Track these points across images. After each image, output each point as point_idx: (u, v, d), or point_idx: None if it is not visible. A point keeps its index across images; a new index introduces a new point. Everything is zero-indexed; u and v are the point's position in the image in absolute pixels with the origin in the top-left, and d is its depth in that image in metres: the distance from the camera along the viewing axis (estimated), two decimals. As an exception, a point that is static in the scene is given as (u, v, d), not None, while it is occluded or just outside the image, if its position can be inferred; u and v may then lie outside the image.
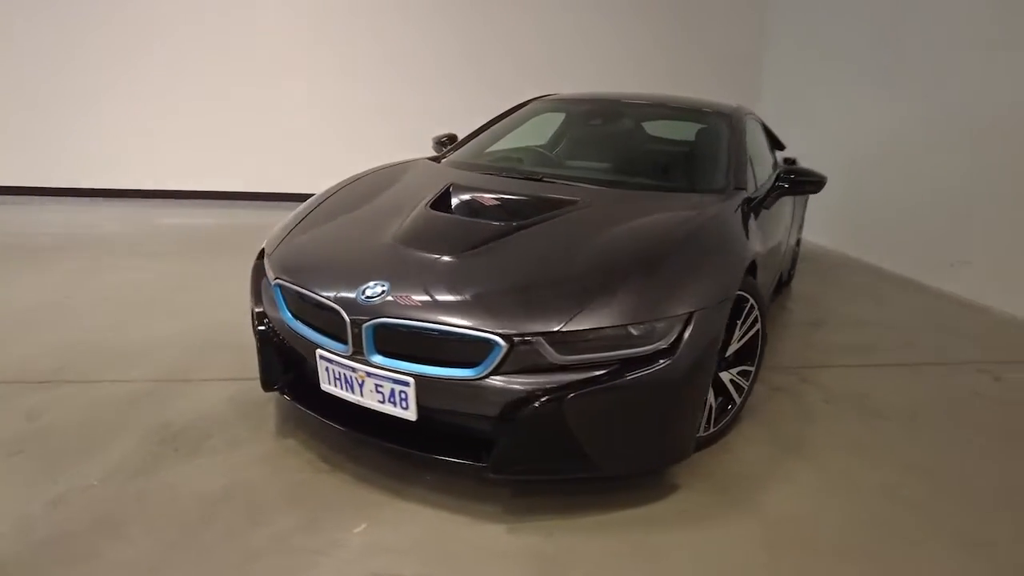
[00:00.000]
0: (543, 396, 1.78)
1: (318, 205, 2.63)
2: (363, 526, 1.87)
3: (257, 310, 2.32)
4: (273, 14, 6.69)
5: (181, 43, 6.70)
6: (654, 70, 7.03)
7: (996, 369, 3.25)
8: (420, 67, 6.93)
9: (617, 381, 1.80)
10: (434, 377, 1.87)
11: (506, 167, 3.17)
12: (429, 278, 2.01)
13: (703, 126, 3.44)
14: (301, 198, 2.93)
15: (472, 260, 2.08)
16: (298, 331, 2.11)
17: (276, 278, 2.22)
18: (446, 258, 2.08)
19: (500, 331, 1.81)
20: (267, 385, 2.29)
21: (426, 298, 1.93)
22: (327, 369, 2.01)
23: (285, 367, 2.27)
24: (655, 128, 3.87)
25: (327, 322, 2.03)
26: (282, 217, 2.65)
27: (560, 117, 3.82)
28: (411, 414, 1.91)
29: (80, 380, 2.69)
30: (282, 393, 2.27)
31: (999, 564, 1.85)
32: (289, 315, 2.17)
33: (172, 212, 6.56)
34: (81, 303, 3.66)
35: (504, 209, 2.58)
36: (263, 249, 2.52)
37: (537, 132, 3.73)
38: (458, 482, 2.08)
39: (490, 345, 1.82)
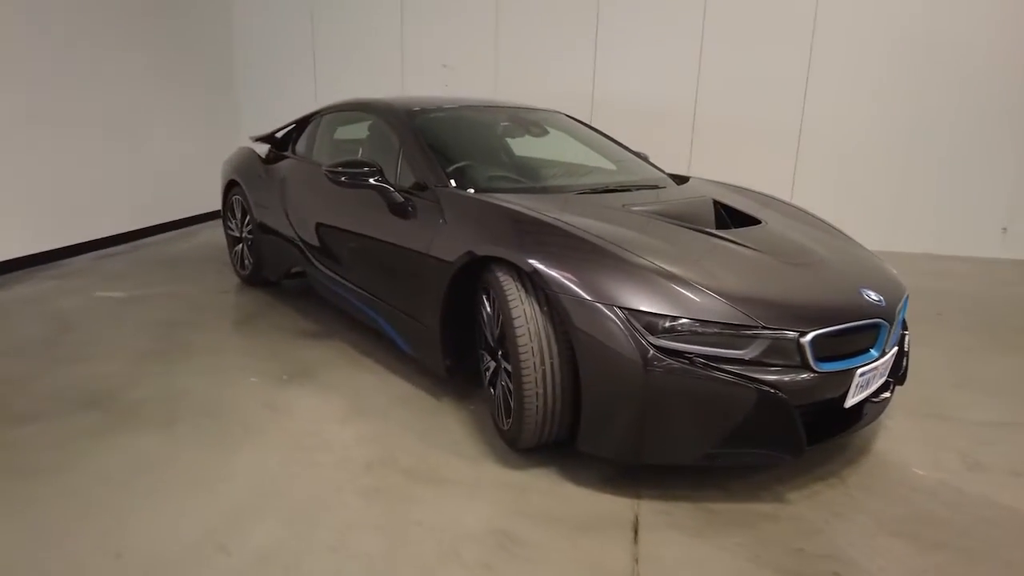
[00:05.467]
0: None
1: (586, 239, 2.16)
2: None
3: (772, 388, 1.93)
4: None
5: None
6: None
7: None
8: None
9: None
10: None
11: (567, 184, 3.11)
12: (841, 278, 2.34)
13: (558, 127, 3.72)
14: None
15: (808, 251, 2.45)
16: (835, 370, 2.05)
17: (803, 332, 1.98)
18: (808, 261, 2.37)
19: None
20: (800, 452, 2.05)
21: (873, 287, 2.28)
22: (857, 384, 2.11)
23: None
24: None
25: (853, 344, 2.13)
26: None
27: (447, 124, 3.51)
28: (882, 378, 2.29)
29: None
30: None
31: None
32: (820, 363, 2.02)
33: None
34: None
35: (718, 215, 2.77)
36: (641, 324, 1.93)
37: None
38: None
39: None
